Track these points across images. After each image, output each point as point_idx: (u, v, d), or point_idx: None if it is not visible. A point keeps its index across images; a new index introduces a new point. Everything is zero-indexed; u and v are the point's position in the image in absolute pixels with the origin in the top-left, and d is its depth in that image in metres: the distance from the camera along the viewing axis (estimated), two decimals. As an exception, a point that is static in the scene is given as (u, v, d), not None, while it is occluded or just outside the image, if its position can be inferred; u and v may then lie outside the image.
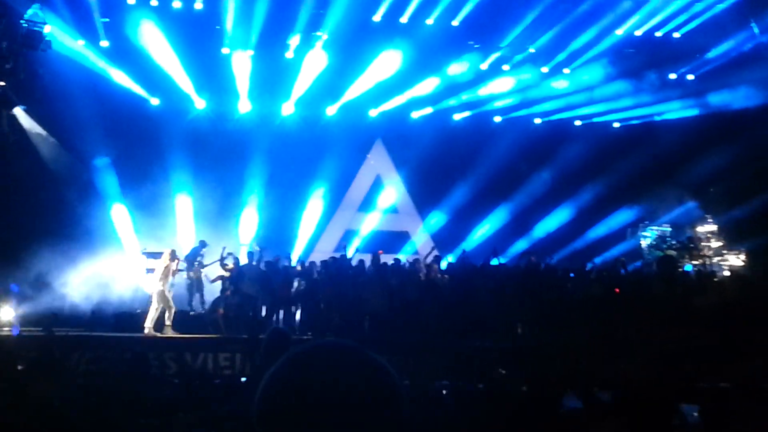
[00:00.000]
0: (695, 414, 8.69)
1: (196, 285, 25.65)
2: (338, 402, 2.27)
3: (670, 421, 8.21)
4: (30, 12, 23.73)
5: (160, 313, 22.77)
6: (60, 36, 27.23)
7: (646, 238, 31.78)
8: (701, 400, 9.19)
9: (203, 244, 25.78)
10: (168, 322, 22.75)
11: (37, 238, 25.43)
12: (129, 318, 24.47)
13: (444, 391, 12.50)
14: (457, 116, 33.36)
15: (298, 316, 24.64)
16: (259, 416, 2.36)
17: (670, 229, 31.79)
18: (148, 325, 22.46)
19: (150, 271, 26.26)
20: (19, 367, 12.80)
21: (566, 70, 32.92)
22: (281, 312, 24.49)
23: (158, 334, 22.38)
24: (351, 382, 2.31)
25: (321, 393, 2.28)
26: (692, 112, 32.50)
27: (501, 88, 32.92)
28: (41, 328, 22.05)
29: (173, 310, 23.00)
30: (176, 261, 23.63)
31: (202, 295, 25.62)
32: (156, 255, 26.35)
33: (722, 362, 18.18)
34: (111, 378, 14.01)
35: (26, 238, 25.65)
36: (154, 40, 29.31)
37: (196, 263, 25.69)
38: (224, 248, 25.23)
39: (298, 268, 25.57)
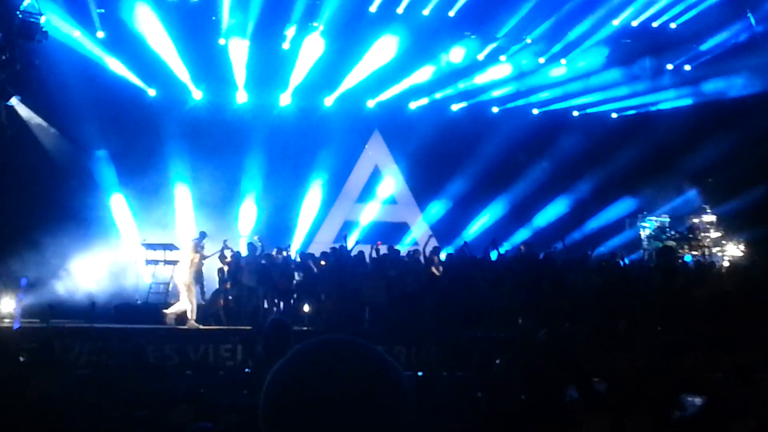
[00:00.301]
0: (696, 403, 8.71)
1: (195, 277, 25.60)
2: (344, 399, 2.26)
3: (668, 411, 8.23)
4: (26, 2, 23.69)
5: (183, 306, 22.84)
6: (56, 26, 27.16)
7: (645, 228, 31.81)
8: (701, 390, 9.21)
9: (203, 235, 25.72)
10: (192, 316, 22.77)
11: (36, 229, 25.47)
12: (129, 309, 24.50)
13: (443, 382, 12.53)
14: (455, 107, 33.33)
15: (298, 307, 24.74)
16: (264, 414, 2.36)
17: (669, 219, 31.83)
18: (170, 312, 22.65)
19: (150, 262, 26.37)
20: (21, 359, 12.82)
21: (563, 61, 32.90)
22: (281, 303, 24.59)
23: (178, 326, 22.50)
24: (357, 379, 2.30)
25: (326, 390, 2.27)
26: (690, 102, 32.54)
27: (497, 78, 32.89)
28: (38, 320, 22.10)
29: (194, 305, 23.02)
30: (199, 253, 23.64)
31: (202, 287, 25.57)
32: (155, 246, 26.43)
33: (721, 352, 18.22)
34: (111, 369, 14.05)
35: (25, 229, 25.67)
36: (150, 31, 29.21)
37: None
38: (225, 241, 25.22)
39: (298, 259, 25.67)
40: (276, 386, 2.34)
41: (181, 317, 22.75)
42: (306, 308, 24.63)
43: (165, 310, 22.98)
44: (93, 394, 10.48)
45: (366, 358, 2.38)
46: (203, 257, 25.31)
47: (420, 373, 16.19)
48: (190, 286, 22.89)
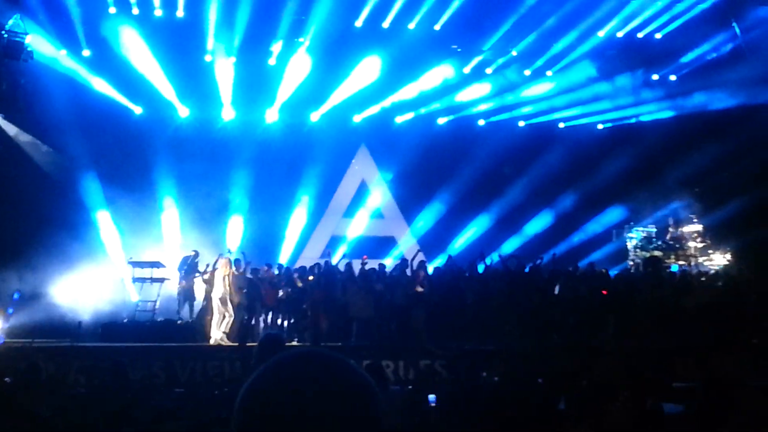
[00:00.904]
0: (677, 411, 8.73)
1: (185, 294, 25.56)
2: (316, 414, 2.25)
3: (652, 418, 8.24)
4: (11, 22, 23.68)
5: (224, 320, 23.06)
6: (42, 46, 27.16)
7: (632, 239, 31.84)
8: (686, 397, 9.22)
9: (197, 253, 25.75)
10: (225, 329, 22.98)
11: (22, 246, 25.46)
12: (116, 328, 24.43)
13: (430, 396, 12.50)
14: (441, 120, 33.37)
15: (285, 323, 24.81)
16: (236, 427, 2.34)
17: (655, 229, 31.86)
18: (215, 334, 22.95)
19: (137, 280, 26.35)
20: (7, 380, 12.77)
21: (549, 73, 32.93)
22: (269, 319, 24.62)
23: (225, 342, 22.63)
24: (330, 393, 2.29)
25: (299, 405, 2.25)
26: (676, 113, 32.58)
27: (484, 91, 32.92)
28: (26, 340, 22.01)
29: (231, 319, 23.17)
30: (231, 269, 23.74)
31: (192, 305, 25.53)
32: (142, 264, 26.40)
33: (708, 359, 18.24)
34: (98, 388, 13.98)
35: (11, 246, 25.64)
36: (136, 49, 29.24)
37: (183, 272, 25.60)
38: (220, 254, 25.27)
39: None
40: (249, 400, 2.33)
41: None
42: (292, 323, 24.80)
43: (211, 335, 23.20)
44: (81, 413, 10.44)
45: (340, 372, 2.37)
46: (195, 275, 25.37)
47: (409, 387, 16.16)
48: (227, 301, 23.08)
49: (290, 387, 2.29)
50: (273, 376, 2.35)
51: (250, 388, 2.34)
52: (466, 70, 32.55)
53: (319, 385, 2.30)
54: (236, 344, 22.32)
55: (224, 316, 23.11)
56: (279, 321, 24.84)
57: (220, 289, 23.18)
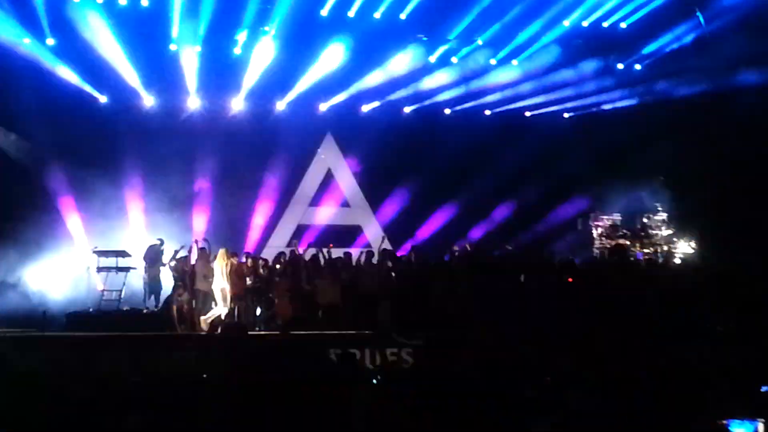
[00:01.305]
0: (647, 399, 8.78)
1: (151, 284, 25.42)
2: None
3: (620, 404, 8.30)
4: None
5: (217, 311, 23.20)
6: (5, 33, 26.98)
7: (598, 227, 31.91)
8: (650, 386, 9.29)
9: (162, 242, 25.64)
10: (209, 318, 23.02)
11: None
12: (81, 317, 24.28)
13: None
14: (407, 109, 33.36)
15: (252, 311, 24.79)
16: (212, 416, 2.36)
17: (621, 217, 31.94)
18: (206, 318, 23.26)
19: (102, 269, 26.19)
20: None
21: (515, 62, 32.93)
22: (237, 308, 24.52)
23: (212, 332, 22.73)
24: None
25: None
26: (641, 101, 32.74)
27: (449, 80, 32.93)
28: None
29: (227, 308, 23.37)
30: (230, 260, 23.76)
31: (158, 294, 25.40)
32: (107, 253, 26.26)
33: (674, 347, 18.35)
34: (61, 378, 13.90)
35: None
36: (101, 38, 28.97)
37: (148, 261, 25.47)
38: (182, 247, 25.20)
39: (250, 263, 25.63)
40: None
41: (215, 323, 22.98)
42: (258, 311, 24.80)
43: (202, 317, 23.30)
44: (43, 403, 10.39)
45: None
46: (162, 263, 25.31)
47: (378, 376, 16.16)
48: (227, 294, 23.16)
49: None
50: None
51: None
52: (432, 59, 32.48)
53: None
54: (204, 333, 22.31)
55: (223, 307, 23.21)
56: (246, 310, 24.77)
57: (219, 280, 23.21)
